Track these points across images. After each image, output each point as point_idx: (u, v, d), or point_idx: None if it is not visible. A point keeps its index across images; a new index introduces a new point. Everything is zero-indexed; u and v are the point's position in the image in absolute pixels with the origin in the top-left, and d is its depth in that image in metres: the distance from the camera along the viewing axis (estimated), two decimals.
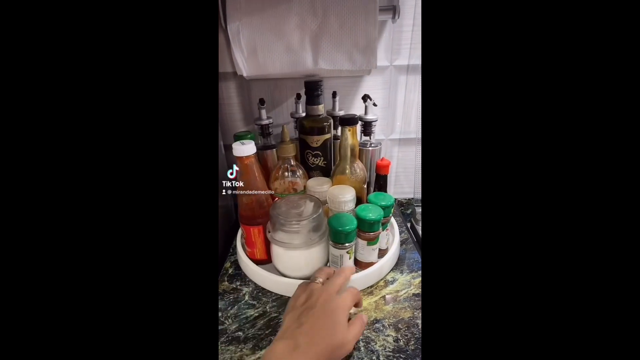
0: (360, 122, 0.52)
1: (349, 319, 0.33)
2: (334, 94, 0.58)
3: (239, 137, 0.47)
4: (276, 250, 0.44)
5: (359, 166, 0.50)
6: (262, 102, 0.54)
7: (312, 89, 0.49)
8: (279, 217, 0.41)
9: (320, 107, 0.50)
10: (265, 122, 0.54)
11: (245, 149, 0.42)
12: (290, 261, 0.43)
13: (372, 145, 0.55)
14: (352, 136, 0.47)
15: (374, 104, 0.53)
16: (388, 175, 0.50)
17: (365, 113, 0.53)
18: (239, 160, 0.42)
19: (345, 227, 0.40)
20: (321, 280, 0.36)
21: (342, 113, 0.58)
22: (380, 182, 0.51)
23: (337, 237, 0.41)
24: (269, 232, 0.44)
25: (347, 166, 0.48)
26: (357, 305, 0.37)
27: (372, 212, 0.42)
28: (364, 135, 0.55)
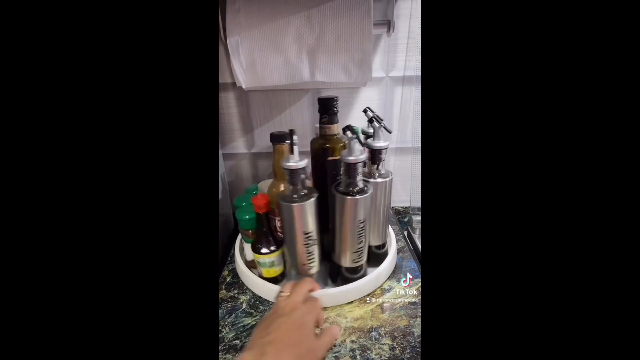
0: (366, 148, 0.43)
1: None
2: (366, 110, 0.47)
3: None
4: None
5: None
6: None
7: (327, 106, 0.44)
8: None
9: (335, 126, 0.45)
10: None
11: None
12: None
13: (382, 175, 0.45)
14: (284, 154, 0.42)
15: (386, 128, 0.44)
16: (267, 214, 0.43)
17: (373, 137, 0.44)
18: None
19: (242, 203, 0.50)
20: (286, 293, 0.36)
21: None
22: (262, 222, 0.44)
23: None
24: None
25: (282, 185, 0.46)
26: (318, 324, 0.35)
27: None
28: (372, 163, 0.45)
